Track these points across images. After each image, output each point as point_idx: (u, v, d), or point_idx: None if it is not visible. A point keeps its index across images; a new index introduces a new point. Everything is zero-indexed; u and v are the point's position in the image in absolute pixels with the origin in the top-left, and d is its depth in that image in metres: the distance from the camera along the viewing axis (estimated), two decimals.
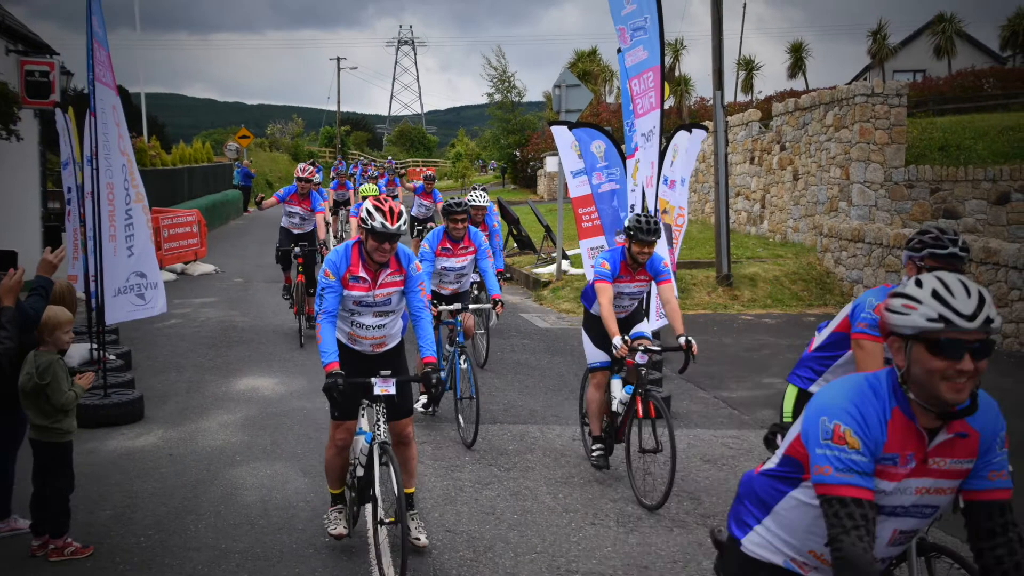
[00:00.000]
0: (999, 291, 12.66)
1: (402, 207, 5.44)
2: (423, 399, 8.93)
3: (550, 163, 34.80)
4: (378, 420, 5.51)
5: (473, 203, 10.67)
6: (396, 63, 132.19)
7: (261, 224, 29.80)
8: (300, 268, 12.43)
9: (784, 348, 12.55)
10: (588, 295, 7.47)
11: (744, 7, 45.36)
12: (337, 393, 5.23)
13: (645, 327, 7.47)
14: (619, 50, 10.22)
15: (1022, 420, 9.32)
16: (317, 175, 13.16)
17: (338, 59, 72.93)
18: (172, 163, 30.40)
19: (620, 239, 9.04)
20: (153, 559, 5.73)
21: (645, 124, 9.45)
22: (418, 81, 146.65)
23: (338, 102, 74.48)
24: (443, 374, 8.30)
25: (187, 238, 20.04)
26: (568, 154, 13.41)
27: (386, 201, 5.36)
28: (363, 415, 5.77)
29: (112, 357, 9.97)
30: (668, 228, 10.07)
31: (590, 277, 13.33)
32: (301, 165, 14.16)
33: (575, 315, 15.17)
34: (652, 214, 7.15)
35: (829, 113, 18.45)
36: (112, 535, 6.06)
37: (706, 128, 11.93)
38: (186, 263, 19.66)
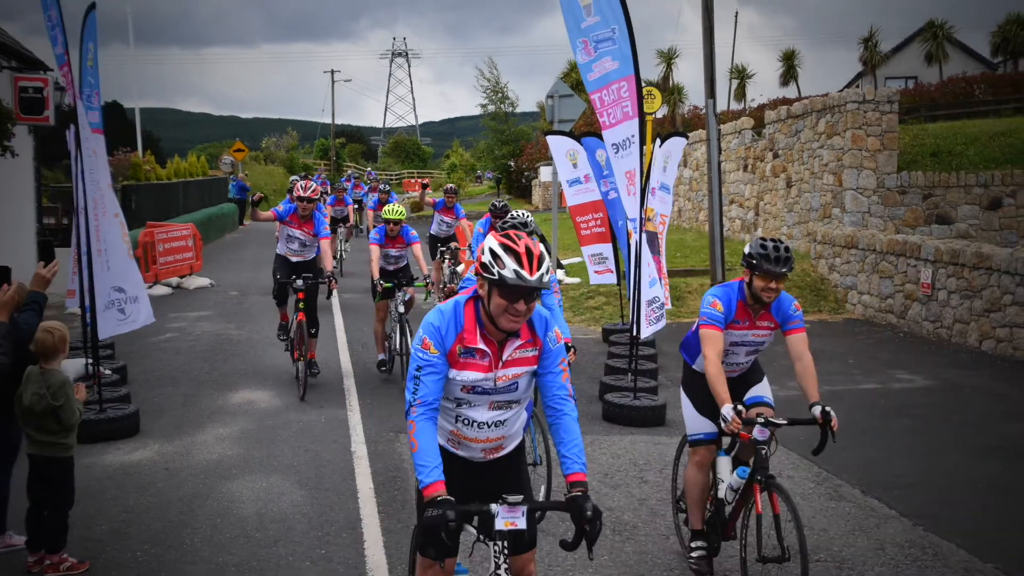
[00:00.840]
0: (992, 296, 12.70)
1: (542, 248, 3.77)
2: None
3: (544, 173, 34.86)
4: (497, 560, 3.75)
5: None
6: (390, 75, 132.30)
7: (256, 237, 29.82)
8: (301, 305, 10.34)
9: (779, 355, 12.54)
10: (690, 345, 5.83)
11: (736, 16, 45.54)
12: (447, 534, 3.50)
13: (766, 390, 5.81)
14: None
15: (1017, 424, 9.37)
16: (322, 190, 12.47)
17: (332, 72, 73.20)
18: (167, 177, 30.40)
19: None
20: (149, 573, 5.73)
21: (617, 134, 9.43)
22: (412, 93, 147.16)
23: (332, 114, 74.65)
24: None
25: (182, 252, 20.04)
26: (563, 163, 13.49)
27: (520, 238, 3.73)
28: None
29: (107, 372, 9.97)
30: (654, 236, 10.12)
31: (595, 280, 13.47)
32: (299, 181, 12.56)
33: (570, 324, 15.19)
34: (781, 241, 5.31)
35: (821, 120, 18.53)
36: (108, 550, 6.05)
37: (686, 136, 12.16)
38: (181, 277, 19.65)
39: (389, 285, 10.53)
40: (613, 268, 13.09)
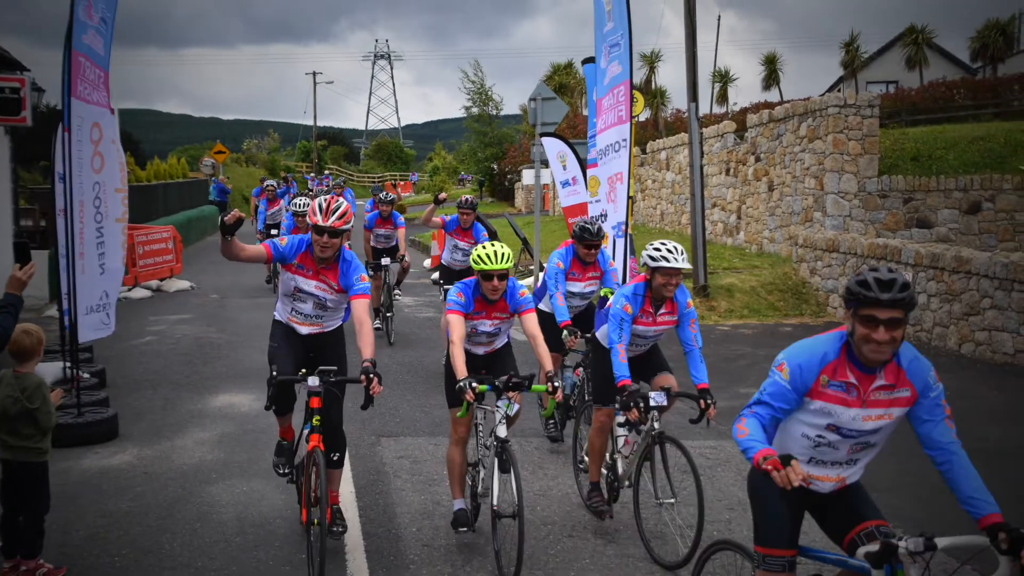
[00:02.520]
0: (971, 299, 12.79)
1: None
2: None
3: (527, 176, 34.88)
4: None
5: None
6: (373, 77, 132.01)
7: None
8: (316, 420, 5.77)
9: (761, 358, 12.60)
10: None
11: (719, 20, 45.76)
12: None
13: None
14: (584, 61, 10.33)
15: (996, 427, 9.43)
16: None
17: (314, 74, 72.98)
18: (147, 179, 30.24)
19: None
20: None
21: (609, 137, 9.51)
22: (395, 95, 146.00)
23: (315, 116, 74.45)
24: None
25: (163, 254, 19.92)
26: (556, 165, 13.62)
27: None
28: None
29: (86, 375, 9.88)
30: (632, 239, 10.16)
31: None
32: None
33: None
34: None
35: (803, 124, 18.62)
36: (86, 555, 5.99)
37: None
38: (162, 280, 19.53)
39: (484, 388, 5.90)
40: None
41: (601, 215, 10.32)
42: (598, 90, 9.84)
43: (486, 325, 6.26)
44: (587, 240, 7.73)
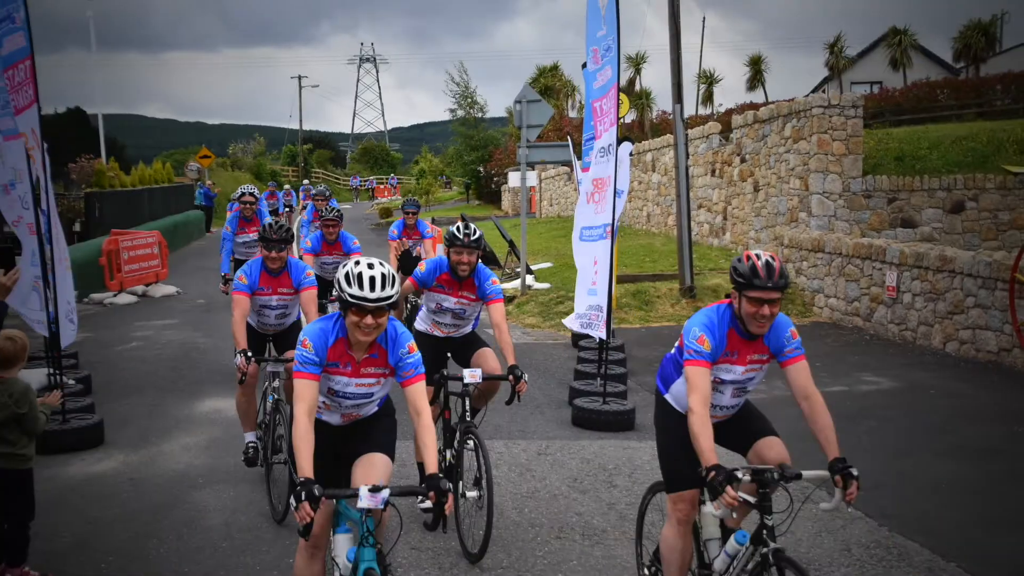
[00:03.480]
0: (955, 298, 12.86)
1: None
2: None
3: (513, 179, 34.90)
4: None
5: None
6: (358, 80, 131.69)
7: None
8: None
9: None
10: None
11: (703, 22, 45.89)
12: None
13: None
14: (584, 65, 10.36)
15: (980, 425, 9.49)
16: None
17: (299, 77, 72.75)
18: (132, 184, 30.12)
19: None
20: None
21: (605, 140, 9.59)
22: (380, 99, 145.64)
23: (300, 120, 74.30)
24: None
25: (148, 260, 19.85)
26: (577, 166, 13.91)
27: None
28: None
29: (71, 382, 9.84)
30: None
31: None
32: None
33: (540, 329, 15.21)
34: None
35: (787, 125, 18.69)
36: (71, 563, 5.97)
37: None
38: (147, 285, 19.46)
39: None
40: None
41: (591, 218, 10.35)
42: (592, 94, 9.89)
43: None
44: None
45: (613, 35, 9.38)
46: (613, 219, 9.52)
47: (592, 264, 9.97)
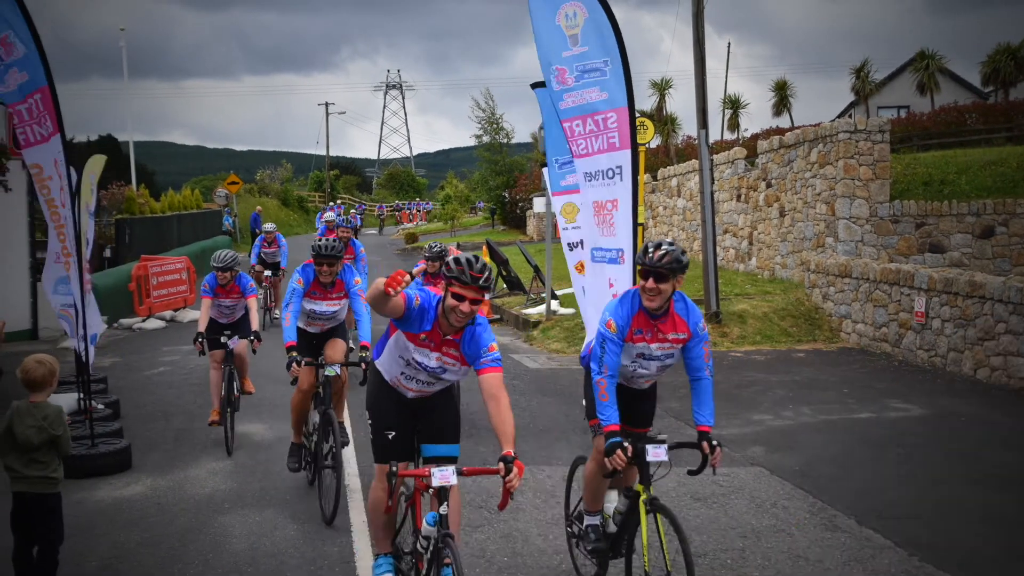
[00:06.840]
0: (985, 324, 12.72)
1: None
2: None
3: (538, 204, 34.95)
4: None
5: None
6: (384, 107, 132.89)
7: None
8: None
9: (774, 384, 12.56)
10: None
11: (728, 47, 45.90)
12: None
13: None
14: (534, 86, 10.28)
15: (1011, 452, 9.35)
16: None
17: (327, 104, 73.42)
18: (161, 211, 30.47)
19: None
20: None
21: (593, 163, 9.39)
22: (407, 125, 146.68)
23: (327, 146, 74.85)
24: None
25: (176, 285, 20.04)
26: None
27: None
28: None
29: (100, 406, 9.92)
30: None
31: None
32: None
33: (565, 355, 15.18)
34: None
35: (814, 150, 18.63)
36: None
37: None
38: (175, 310, 19.64)
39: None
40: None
41: (577, 243, 10.21)
42: (558, 113, 9.70)
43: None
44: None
45: (608, 57, 9.20)
46: (634, 247, 9.46)
47: (608, 287, 9.83)
